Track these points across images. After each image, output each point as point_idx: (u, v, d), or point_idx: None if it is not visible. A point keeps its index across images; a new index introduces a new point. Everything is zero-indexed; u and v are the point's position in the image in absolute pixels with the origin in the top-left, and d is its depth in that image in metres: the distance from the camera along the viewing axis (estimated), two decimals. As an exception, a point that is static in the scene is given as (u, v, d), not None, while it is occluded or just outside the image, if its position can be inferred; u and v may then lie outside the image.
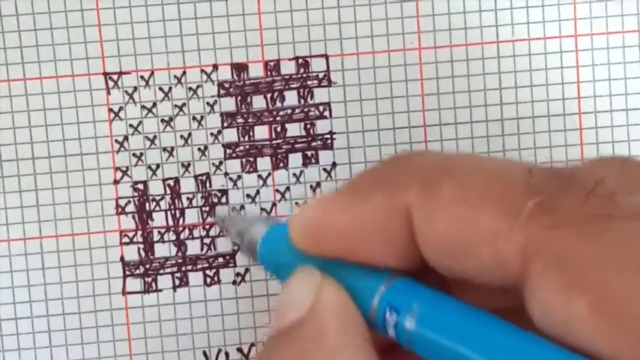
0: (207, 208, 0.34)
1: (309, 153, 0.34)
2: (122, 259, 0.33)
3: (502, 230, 0.20)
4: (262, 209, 0.34)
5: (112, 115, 0.33)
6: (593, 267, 0.19)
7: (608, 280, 0.18)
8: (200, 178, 0.33)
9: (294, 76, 0.33)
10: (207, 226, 0.34)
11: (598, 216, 0.19)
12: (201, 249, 0.34)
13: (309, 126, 0.33)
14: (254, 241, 0.27)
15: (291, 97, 0.33)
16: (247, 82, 0.33)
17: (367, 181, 0.23)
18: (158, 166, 0.33)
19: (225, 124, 0.33)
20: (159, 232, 0.34)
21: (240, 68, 0.33)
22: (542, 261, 0.19)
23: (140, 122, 0.33)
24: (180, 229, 0.34)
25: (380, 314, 0.22)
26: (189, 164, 0.33)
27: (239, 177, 0.34)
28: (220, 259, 0.33)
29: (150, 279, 0.33)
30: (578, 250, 0.19)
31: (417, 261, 0.22)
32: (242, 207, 0.33)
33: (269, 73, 0.33)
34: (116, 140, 0.33)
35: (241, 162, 0.34)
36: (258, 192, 0.34)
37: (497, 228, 0.20)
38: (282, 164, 0.34)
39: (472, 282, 0.21)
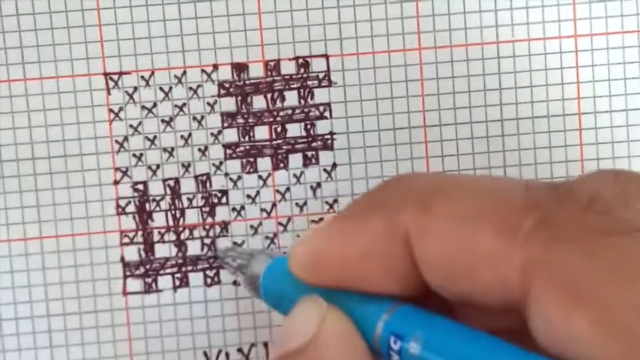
0: (208, 209, 0.34)
1: (309, 153, 0.34)
2: (122, 259, 0.33)
3: (501, 248, 0.20)
4: (262, 210, 0.34)
5: (112, 115, 0.33)
6: (593, 283, 0.19)
7: (609, 296, 0.18)
8: (200, 178, 0.33)
9: (294, 76, 0.33)
10: (207, 227, 0.34)
11: (596, 231, 0.19)
12: (202, 249, 0.34)
13: (309, 126, 0.34)
14: (255, 276, 0.27)
15: (292, 98, 0.33)
16: (247, 82, 0.33)
17: (363, 208, 0.23)
18: (158, 166, 0.33)
19: (226, 124, 0.33)
20: (159, 232, 0.33)
21: (240, 68, 0.33)
22: (543, 278, 0.19)
23: (140, 122, 0.33)
24: (181, 229, 0.34)
25: (384, 342, 0.22)
26: (189, 164, 0.33)
27: (239, 177, 0.34)
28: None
29: (150, 279, 0.33)
30: (578, 266, 0.19)
31: (419, 286, 0.22)
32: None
33: (269, 73, 0.33)
34: (116, 141, 0.33)
35: (241, 162, 0.34)
36: (258, 192, 0.34)
37: (496, 246, 0.20)
38: (282, 165, 0.34)
39: (474, 304, 0.21)
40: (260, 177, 0.34)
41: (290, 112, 0.33)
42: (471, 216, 0.21)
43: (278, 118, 0.33)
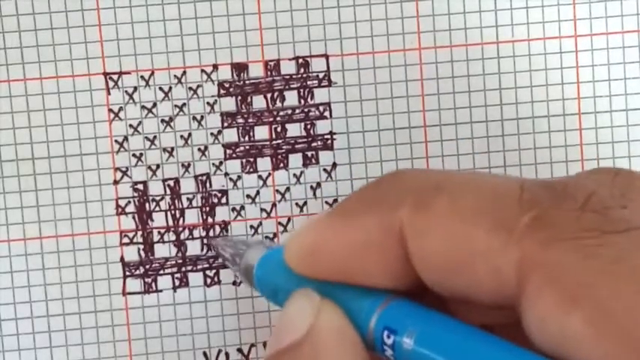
0: (208, 209, 0.33)
1: (309, 153, 0.34)
2: (122, 259, 0.33)
3: (497, 246, 0.20)
4: (262, 210, 0.34)
5: (112, 115, 0.33)
6: (588, 282, 0.19)
7: (603, 295, 0.18)
8: (200, 178, 0.33)
9: (294, 76, 0.33)
10: (207, 227, 0.34)
11: (592, 230, 0.19)
12: (202, 249, 0.33)
13: (309, 126, 0.33)
14: (250, 265, 0.27)
15: (292, 97, 0.33)
16: (247, 82, 0.33)
17: (359, 202, 0.23)
18: (158, 166, 0.33)
19: (226, 124, 0.33)
20: (159, 232, 0.33)
21: (240, 68, 0.33)
22: (538, 276, 0.19)
23: (140, 122, 0.33)
24: (180, 229, 0.33)
25: (378, 336, 0.22)
26: (189, 164, 0.33)
27: (239, 177, 0.34)
28: (220, 260, 0.33)
29: (150, 279, 0.33)
30: (573, 265, 0.19)
31: (414, 281, 0.22)
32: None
33: (269, 73, 0.33)
34: (116, 140, 0.33)
35: (241, 162, 0.34)
36: (258, 192, 0.34)
37: (491, 244, 0.20)
38: (282, 164, 0.34)
39: (468, 300, 0.21)
40: (260, 177, 0.34)
41: (290, 112, 0.33)
42: (466, 213, 0.21)
43: (278, 118, 0.33)
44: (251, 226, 0.34)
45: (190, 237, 0.33)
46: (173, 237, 0.33)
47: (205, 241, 0.33)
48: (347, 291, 0.23)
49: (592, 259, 0.19)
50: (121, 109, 0.33)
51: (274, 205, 0.34)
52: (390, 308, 0.22)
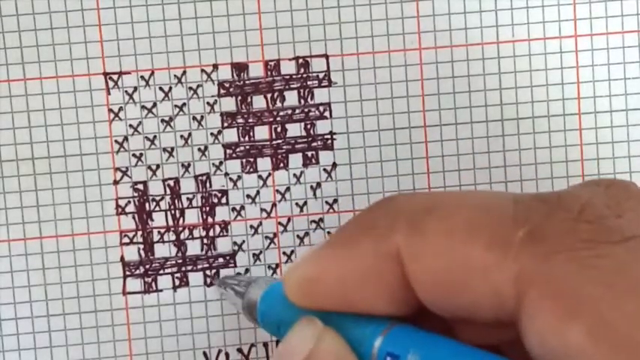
0: (207, 209, 0.33)
1: (309, 153, 0.34)
2: (122, 259, 0.33)
3: (494, 262, 0.20)
4: (262, 210, 0.34)
5: (112, 115, 0.33)
6: (587, 294, 0.19)
7: (603, 307, 0.18)
8: (200, 178, 0.33)
9: (294, 76, 0.33)
10: (207, 227, 0.34)
11: (588, 241, 0.19)
12: (202, 249, 0.33)
13: (309, 126, 0.33)
14: (252, 301, 0.27)
15: (292, 97, 0.33)
16: (247, 82, 0.33)
17: (354, 230, 0.23)
18: (158, 166, 0.33)
19: (226, 124, 0.33)
20: (159, 232, 0.33)
21: (240, 68, 0.33)
22: (536, 290, 0.19)
23: (140, 122, 0.33)
24: (180, 229, 0.34)
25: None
26: (189, 164, 0.33)
27: (239, 177, 0.34)
28: (220, 260, 0.33)
29: (150, 279, 0.33)
30: (571, 277, 0.19)
31: (414, 305, 0.22)
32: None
33: (269, 73, 0.33)
34: (116, 140, 0.33)
35: (241, 162, 0.34)
36: (258, 192, 0.34)
37: (488, 261, 0.20)
38: (282, 164, 0.34)
39: (469, 319, 0.21)
40: (260, 177, 0.34)
41: (290, 112, 0.33)
42: (461, 232, 0.21)
43: (278, 118, 0.33)
44: (251, 226, 0.34)
45: (190, 237, 0.33)
46: (173, 237, 0.33)
47: (209, 280, 0.33)
48: (348, 319, 0.23)
49: (589, 270, 0.19)
50: (121, 109, 0.33)
51: (274, 205, 0.34)
52: (392, 334, 0.22)
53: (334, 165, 0.34)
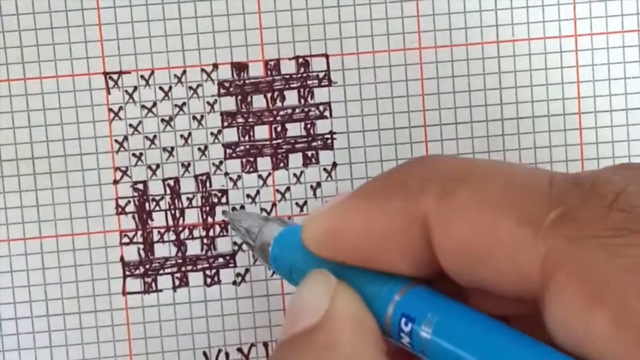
0: (207, 209, 0.33)
1: (309, 153, 0.34)
2: (122, 259, 0.33)
3: (522, 240, 0.20)
4: (262, 209, 0.34)
5: (112, 114, 0.33)
6: (615, 282, 0.18)
7: (629, 296, 0.18)
8: (200, 178, 0.33)
9: (294, 76, 0.33)
10: (207, 226, 0.33)
11: (620, 229, 0.19)
12: (202, 249, 0.33)
13: (309, 126, 0.33)
14: (266, 242, 0.27)
15: (292, 97, 0.33)
16: (247, 81, 0.33)
17: (384, 186, 0.22)
18: (158, 166, 0.33)
19: (226, 124, 0.33)
20: (159, 232, 0.33)
21: (240, 67, 0.33)
22: (563, 273, 0.19)
23: (140, 122, 0.33)
24: (180, 229, 0.33)
25: (395, 323, 0.22)
26: (189, 164, 0.33)
27: (239, 177, 0.34)
28: (220, 260, 0.33)
29: (150, 279, 0.33)
30: (599, 263, 0.19)
31: (434, 269, 0.22)
32: (242, 206, 0.33)
33: (269, 72, 0.33)
34: (116, 140, 0.33)
35: (241, 162, 0.33)
36: (258, 192, 0.34)
37: (517, 237, 0.20)
38: (282, 164, 0.34)
39: (489, 291, 0.21)
40: (260, 176, 0.34)
41: (290, 111, 0.33)
42: (493, 204, 0.20)
43: (278, 118, 0.33)
44: (251, 226, 0.33)
45: (190, 237, 0.33)
46: (173, 237, 0.33)
47: (223, 216, 0.33)
48: (364, 274, 0.22)
49: (619, 259, 0.18)
50: (120, 108, 0.33)
51: (274, 204, 0.34)
52: (408, 295, 0.22)
53: (334, 165, 0.34)
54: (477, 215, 0.20)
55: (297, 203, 0.34)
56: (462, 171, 0.21)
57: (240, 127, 0.33)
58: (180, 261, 0.33)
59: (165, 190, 0.33)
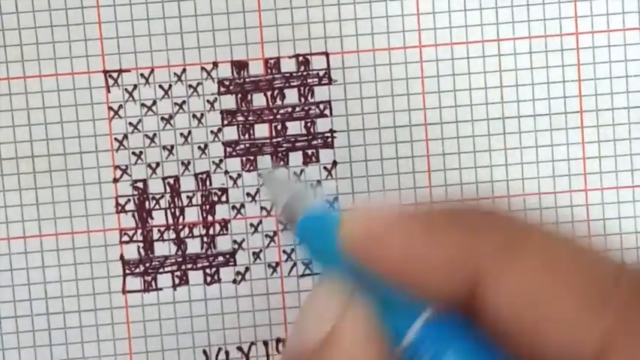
0: (207, 207, 0.33)
1: (309, 151, 0.33)
2: (122, 257, 0.33)
3: (583, 318, 0.19)
4: (262, 208, 0.33)
5: (112, 113, 0.33)
6: None
7: None
8: (200, 176, 0.33)
9: (294, 74, 0.33)
10: (207, 225, 0.33)
11: None
12: (202, 247, 0.33)
13: (309, 124, 0.33)
14: (293, 215, 0.26)
15: (292, 95, 0.33)
16: (247, 79, 0.33)
17: (446, 218, 0.21)
18: (158, 164, 0.33)
19: (226, 122, 0.33)
20: (159, 230, 0.33)
21: (240, 66, 0.33)
22: (622, 356, 0.18)
23: (140, 120, 0.33)
24: (180, 227, 0.33)
25: (410, 351, 0.21)
26: (189, 162, 0.33)
27: (239, 175, 0.33)
28: (220, 258, 0.33)
29: (150, 277, 0.33)
30: None
31: (464, 304, 0.21)
32: (242, 205, 0.33)
33: (269, 70, 0.33)
34: (116, 138, 0.33)
35: (241, 160, 0.33)
36: (258, 191, 0.33)
37: (578, 314, 0.19)
38: (282, 163, 0.33)
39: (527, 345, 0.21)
40: (260, 175, 0.33)
41: (290, 109, 0.33)
42: (554, 273, 0.20)
43: (278, 116, 0.33)
44: (251, 225, 0.33)
45: (190, 235, 0.33)
46: (173, 235, 0.33)
47: (258, 174, 0.33)
48: (385, 290, 0.21)
49: None
50: (120, 106, 0.33)
51: (274, 204, 0.34)
52: (431, 325, 0.21)
53: (334, 163, 0.33)
54: (539, 280, 0.19)
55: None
56: (528, 231, 0.21)
57: (240, 126, 0.33)
58: (180, 259, 0.33)
59: (165, 189, 0.33)
